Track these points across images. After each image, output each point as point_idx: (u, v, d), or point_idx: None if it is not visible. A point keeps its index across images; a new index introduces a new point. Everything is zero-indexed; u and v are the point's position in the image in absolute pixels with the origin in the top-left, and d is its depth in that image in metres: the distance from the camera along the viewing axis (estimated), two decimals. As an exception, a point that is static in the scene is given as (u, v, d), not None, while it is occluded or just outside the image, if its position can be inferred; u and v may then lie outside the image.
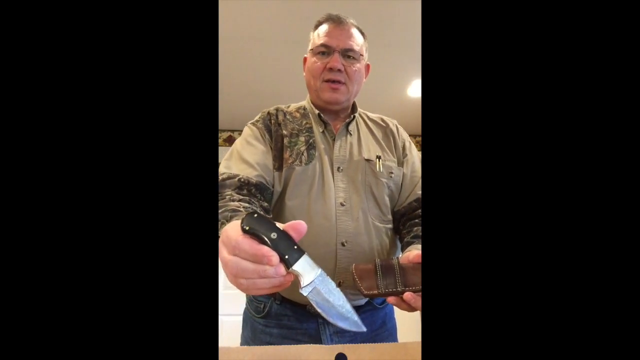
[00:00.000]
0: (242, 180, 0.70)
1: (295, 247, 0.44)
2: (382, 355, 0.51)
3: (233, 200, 0.64)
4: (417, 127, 3.05)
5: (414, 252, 0.59)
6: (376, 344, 0.54)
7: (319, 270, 0.45)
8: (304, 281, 0.44)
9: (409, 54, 2.08)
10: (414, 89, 2.45)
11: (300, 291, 0.44)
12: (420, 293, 0.53)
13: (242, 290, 0.44)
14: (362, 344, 0.53)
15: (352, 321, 0.46)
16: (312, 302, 0.44)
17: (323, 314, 0.44)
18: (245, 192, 0.69)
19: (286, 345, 0.52)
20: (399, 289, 0.53)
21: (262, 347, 0.51)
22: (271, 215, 0.74)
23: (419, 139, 3.21)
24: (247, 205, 0.64)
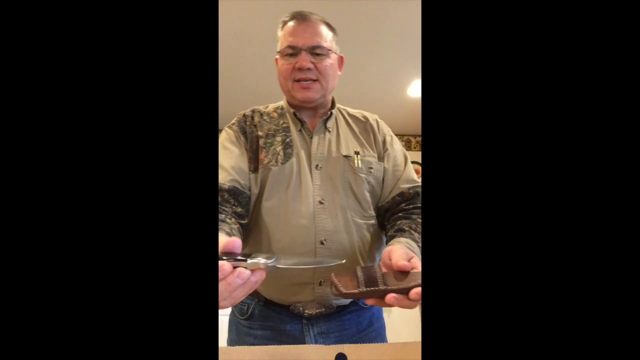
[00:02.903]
0: None
1: (241, 254, 0.46)
2: (382, 356, 0.51)
3: None
4: (417, 127, 3.05)
5: (395, 259, 0.55)
6: (376, 344, 0.54)
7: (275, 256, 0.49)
8: (268, 261, 0.46)
9: (409, 54, 2.08)
10: (414, 89, 2.45)
11: (271, 265, 0.46)
12: (403, 294, 0.51)
13: (230, 306, 0.47)
14: (362, 344, 0.53)
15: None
16: (288, 268, 0.48)
17: (304, 267, 0.49)
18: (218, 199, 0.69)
19: (286, 345, 0.52)
20: (380, 288, 0.51)
21: (262, 347, 0.51)
22: (246, 221, 0.73)
23: (419, 139, 3.21)
24: None
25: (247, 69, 2.17)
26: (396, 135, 0.90)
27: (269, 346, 0.51)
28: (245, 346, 0.52)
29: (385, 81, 2.34)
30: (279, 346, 0.52)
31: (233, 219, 0.68)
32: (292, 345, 0.52)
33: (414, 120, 2.85)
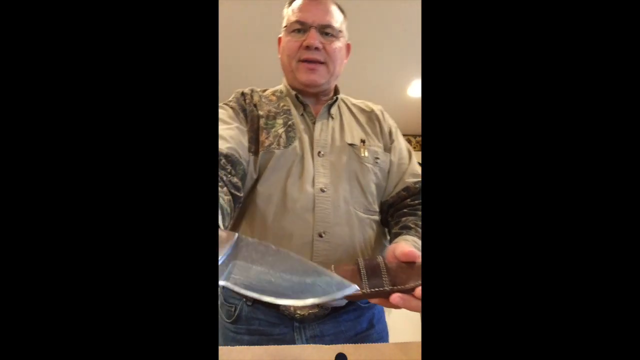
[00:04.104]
0: None
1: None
2: (382, 355, 0.51)
3: None
4: (417, 127, 3.05)
5: (400, 248, 0.52)
6: (376, 344, 0.54)
7: (235, 236, 0.31)
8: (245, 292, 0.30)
9: (409, 54, 2.08)
10: (414, 89, 2.45)
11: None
12: (409, 294, 0.47)
13: None
14: (362, 344, 0.53)
15: (326, 282, 0.27)
16: (240, 290, 0.29)
17: (273, 301, 0.28)
18: None
19: (287, 345, 0.52)
20: (386, 289, 0.47)
21: (262, 347, 0.51)
22: (240, 194, 0.66)
23: (419, 139, 3.21)
24: None
25: (248, 70, 2.17)
26: (396, 135, 0.89)
27: (270, 346, 0.51)
28: (246, 346, 0.52)
29: (385, 81, 2.34)
30: (280, 346, 0.52)
31: (225, 189, 0.61)
32: (293, 345, 0.52)
33: (414, 120, 2.85)
